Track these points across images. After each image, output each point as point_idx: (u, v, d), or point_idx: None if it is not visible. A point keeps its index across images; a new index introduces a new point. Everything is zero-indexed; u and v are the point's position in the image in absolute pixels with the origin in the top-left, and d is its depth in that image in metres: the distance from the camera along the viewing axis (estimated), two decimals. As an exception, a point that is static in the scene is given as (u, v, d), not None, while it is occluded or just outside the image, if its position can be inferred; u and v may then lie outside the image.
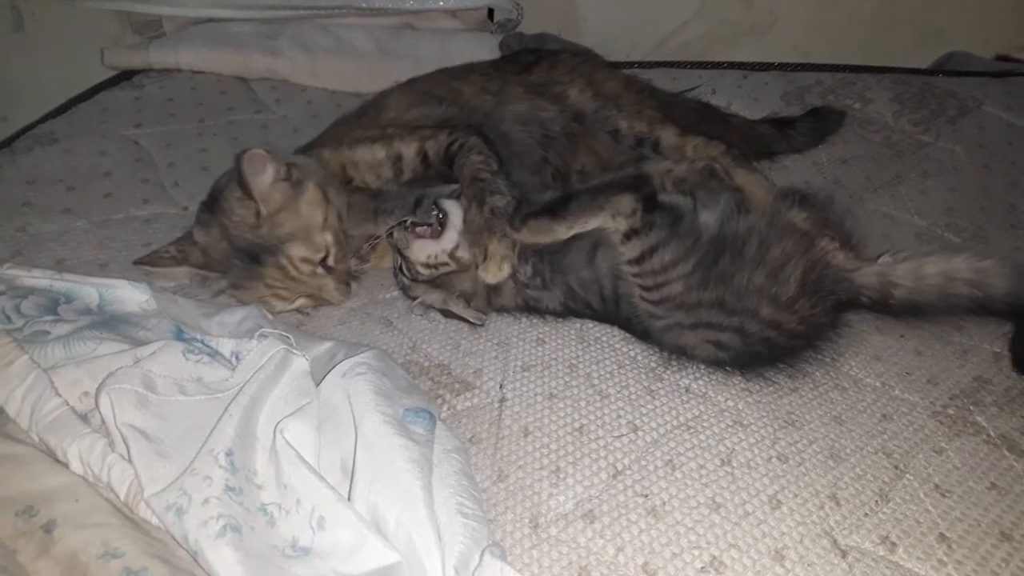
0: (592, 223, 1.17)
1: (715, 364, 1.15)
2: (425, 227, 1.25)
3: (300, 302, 1.25)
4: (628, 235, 1.14)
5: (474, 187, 1.26)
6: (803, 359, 1.16)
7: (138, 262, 1.21)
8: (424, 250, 1.25)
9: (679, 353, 1.16)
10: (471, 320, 1.24)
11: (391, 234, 1.28)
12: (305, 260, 1.21)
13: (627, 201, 1.14)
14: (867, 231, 1.22)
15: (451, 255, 1.25)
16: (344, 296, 1.26)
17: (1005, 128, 1.89)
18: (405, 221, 1.25)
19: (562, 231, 1.18)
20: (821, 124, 1.85)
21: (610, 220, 1.15)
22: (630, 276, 1.15)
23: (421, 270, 1.26)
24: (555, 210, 1.18)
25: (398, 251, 1.28)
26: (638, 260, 1.13)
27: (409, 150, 1.35)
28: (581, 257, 1.21)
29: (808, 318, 1.12)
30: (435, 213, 1.25)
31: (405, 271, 1.28)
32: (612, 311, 1.22)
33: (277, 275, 1.21)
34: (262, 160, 1.17)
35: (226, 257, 1.22)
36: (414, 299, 1.28)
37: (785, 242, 1.12)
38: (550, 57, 1.74)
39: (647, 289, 1.13)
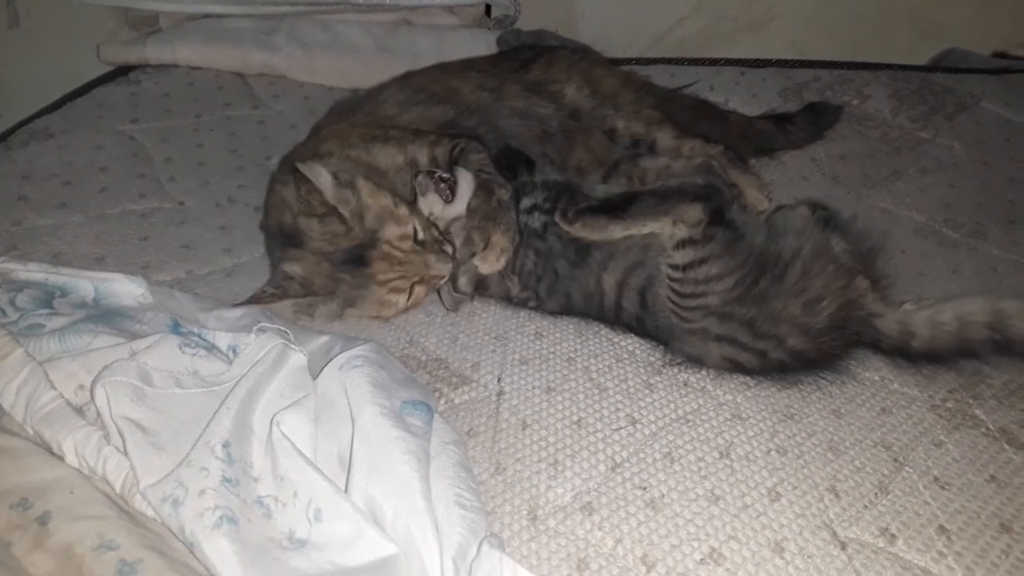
0: (651, 228, 1.15)
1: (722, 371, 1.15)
2: (445, 187, 1.24)
3: (417, 292, 1.22)
4: (683, 243, 1.11)
5: (479, 178, 1.27)
6: (804, 378, 1.15)
7: (238, 305, 1.16)
8: (433, 205, 1.25)
9: (690, 359, 1.15)
10: (444, 303, 1.25)
11: (416, 175, 1.26)
12: (403, 237, 1.20)
13: (695, 211, 1.12)
14: (896, 274, 1.20)
15: (448, 225, 1.25)
16: (448, 264, 1.23)
17: (1003, 124, 1.90)
18: (434, 172, 1.25)
19: (618, 231, 1.16)
20: (819, 119, 1.85)
21: (670, 226, 1.12)
22: (669, 279, 1.12)
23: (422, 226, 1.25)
24: (615, 210, 1.16)
25: (413, 197, 1.27)
26: (685, 268, 1.11)
27: (422, 155, 1.35)
28: (591, 273, 1.20)
29: (827, 349, 1.12)
30: (449, 178, 1.24)
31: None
32: (610, 318, 1.22)
33: (384, 266, 1.20)
34: (319, 171, 1.17)
35: (330, 277, 1.20)
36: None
37: (827, 275, 1.11)
38: (548, 54, 1.73)
39: (683, 296, 1.12)
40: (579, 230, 1.18)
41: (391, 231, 1.20)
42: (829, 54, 2.21)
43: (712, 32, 2.36)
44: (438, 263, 1.21)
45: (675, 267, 1.12)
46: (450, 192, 1.24)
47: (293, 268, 1.20)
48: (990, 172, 1.74)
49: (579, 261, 1.21)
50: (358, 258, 1.19)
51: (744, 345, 1.10)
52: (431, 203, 1.26)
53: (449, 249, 1.23)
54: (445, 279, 1.24)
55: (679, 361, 1.16)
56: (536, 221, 1.25)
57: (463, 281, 1.25)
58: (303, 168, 1.15)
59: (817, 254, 1.12)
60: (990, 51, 2.35)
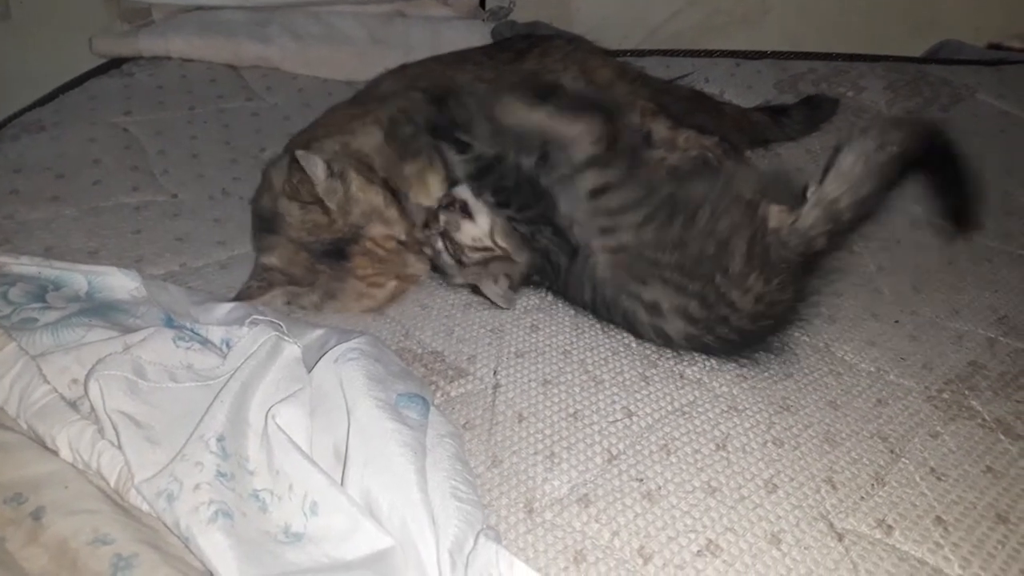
0: (562, 129, 1.17)
1: (691, 343, 1.13)
2: (459, 210, 1.23)
3: (391, 285, 1.23)
4: (589, 163, 1.14)
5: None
6: (778, 343, 1.15)
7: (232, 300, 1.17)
8: (469, 232, 1.23)
9: (650, 310, 1.13)
10: (499, 303, 1.23)
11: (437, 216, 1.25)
12: (388, 237, 1.21)
13: (597, 123, 1.15)
14: (893, 266, 1.20)
15: (492, 238, 1.23)
16: (426, 265, 1.26)
17: (998, 116, 1.90)
18: (453, 204, 1.23)
19: (533, 119, 1.19)
20: (815, 112, 1.85)
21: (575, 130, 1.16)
22: (590, 215, 1.14)
23: (469, 253, 1.23)
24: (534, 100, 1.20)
25: (444, 235, 1.24)
26: (593, 194, 1.13)
27: None
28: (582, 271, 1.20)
29: (765, 296, 1.09)
30: (455, 200, 1.23)
31: (451, 253, 1.24)
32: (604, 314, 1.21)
33: (365, 262, 1.20)
34: (315, 161, 1.17)
35: (309, 269, 1.20)
36: (455, 285, 1.28)
37: (733, 213, 1.09)
38: (543, 43, 1.72)
39: (604, 232, 1.13)
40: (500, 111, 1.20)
41: (376, 230, 1.20)
42: (824, 47, 2.21)
43: (707, 25, 2.36)
44: (417, 263, 1.24)
45: (588, 195, 1.13)
46: (466, 212, 1.23)
47: (270, 259, 1.21)
48: (985, 164, 1.73)
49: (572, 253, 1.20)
50: (339, 252, 1.19)
51: (685, 289, 1.09)
52: (468, 230, 1.23)
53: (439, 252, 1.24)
54: (421, 278, 1.27)
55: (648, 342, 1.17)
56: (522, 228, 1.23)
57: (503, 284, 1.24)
58: (301, 157, 1.15)
59: (723, 195, 1.11)
60: (985, 43, 2.35)
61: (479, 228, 1.23)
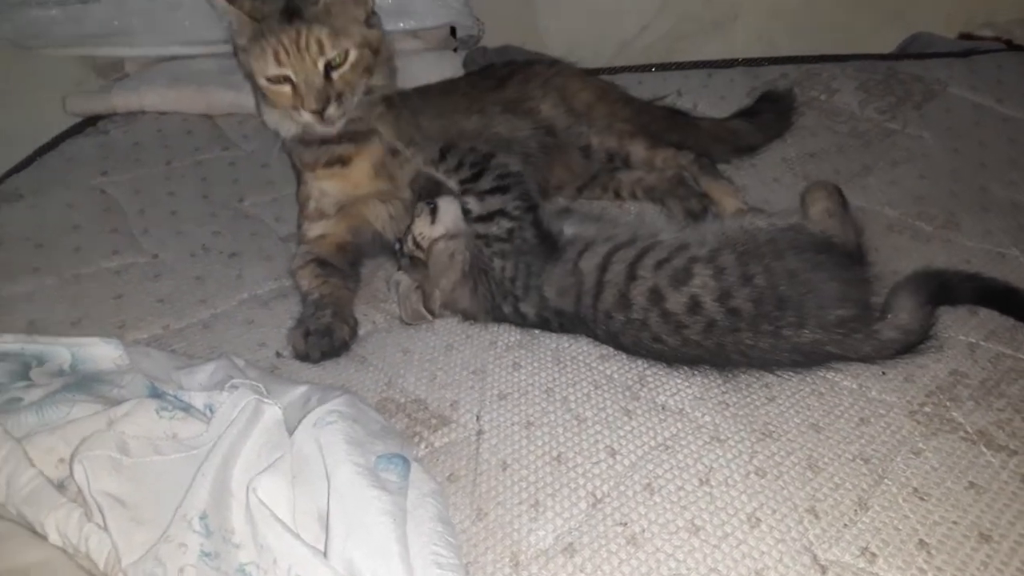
0: None
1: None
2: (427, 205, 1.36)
3: (284, 89, 1.31)
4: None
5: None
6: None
7: None
8: (420, 226, 1.35)
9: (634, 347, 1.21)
10: (402, 312, 1.33)
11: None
12: (319, 43, 1.27)
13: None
14: (873, 274, 1.25)
15: (432, 243, 1.34)
16: (316, 104, 1.29)
17: (971, 109, 1.90)
18: (432, 203, 1.36)
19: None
20: (778, 105, 1.86)
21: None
22: None
23: (411, 245, 1.35)
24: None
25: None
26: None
27: None
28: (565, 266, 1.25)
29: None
30: (431, 206, 1.35)
31: (407, 240, 1.37)
32: (587, 315, 1.23)
33: (289, 40, 1.27)
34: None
35: (270, 15, 1.29)
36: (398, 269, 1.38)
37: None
38: (524, 70, 1.73)
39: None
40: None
41: (319, 32, 1.29)
42: (796, 46, 2.22)
43: (678, 34, 2.36)
44: (315, 91, 1.29)
45: None
46: (433, 215, 1.35)
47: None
48: (961, 159, 1.74)
49: (552, 255, 1.27)
50: (293, 13, 1.29)
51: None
52: (423, 223, 1.35)
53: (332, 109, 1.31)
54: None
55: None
56: (500, 227, 1.29)
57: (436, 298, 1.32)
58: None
59: None
60: (956, 33, 2.35)
61: (430, 229, 1.34)
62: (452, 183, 1.36)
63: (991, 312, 1.27)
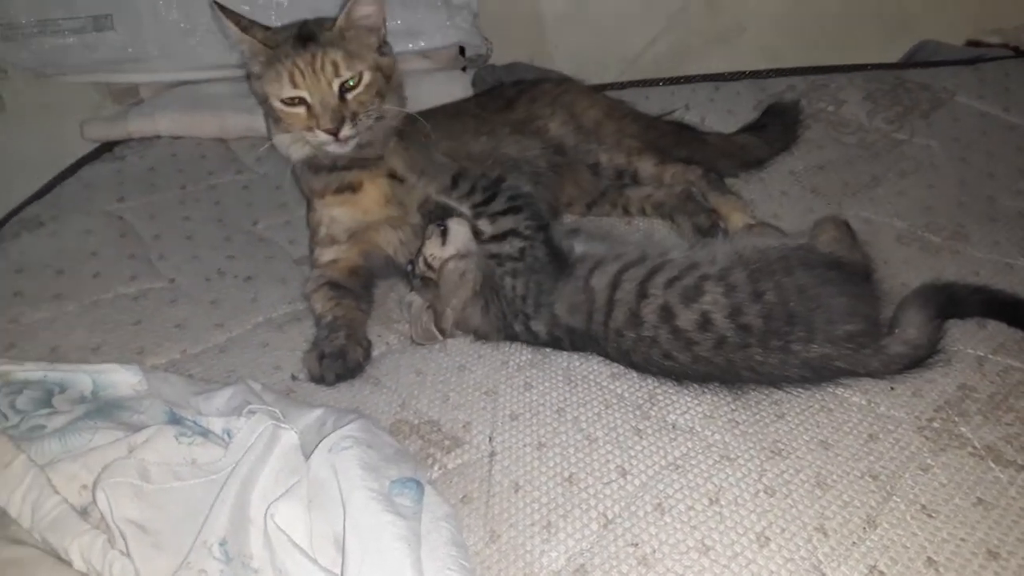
0: None
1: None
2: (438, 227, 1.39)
3: (299, 111, 1.34)
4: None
5: None
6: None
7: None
8: (431, 247, 1.37)
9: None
10: (413, 336, 1.35)
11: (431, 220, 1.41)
12: (335, 65, 1.31)
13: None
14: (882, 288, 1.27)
15: (442, 264, 1.35)
16: (331, 124, 1.31)
17: (979, 118, 1.90)
18: (443, 224, 1.38)
19: None
20: (784, 117, 1.87)
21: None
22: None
23: (422, 266, 1.37)
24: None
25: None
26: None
27: None
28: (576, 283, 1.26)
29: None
30: (441, 228, 1.37)
31: (418, 261, 1.39)
32: (599, 332, 1.24)
33: (305, 63, 1.30)
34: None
35: (284, 41, 1.34)
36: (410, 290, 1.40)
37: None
38: (531, 89, 1.76)
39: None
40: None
41: (334, 55, 1.32)
42: (802, 58, 2.22)
43: (684, 48, 2.38)
44: (329, 112, 1.32)
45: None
46: (444, 236, 1.37)
47: (278, 27, 1.41)
48: (969, 169, 1.75)
49: (563, 273, 1.28)
50: (308, 38, 1.34)
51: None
52: (433, 244, 1.37)
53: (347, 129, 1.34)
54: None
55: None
56: (512, 247, 1.31)
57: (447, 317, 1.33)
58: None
59: None
60: (963, 40, 2.35)
61: (440, 250, 1.36)
62: (465, 208, 1.38)
63: (999, 325, 1.28)
